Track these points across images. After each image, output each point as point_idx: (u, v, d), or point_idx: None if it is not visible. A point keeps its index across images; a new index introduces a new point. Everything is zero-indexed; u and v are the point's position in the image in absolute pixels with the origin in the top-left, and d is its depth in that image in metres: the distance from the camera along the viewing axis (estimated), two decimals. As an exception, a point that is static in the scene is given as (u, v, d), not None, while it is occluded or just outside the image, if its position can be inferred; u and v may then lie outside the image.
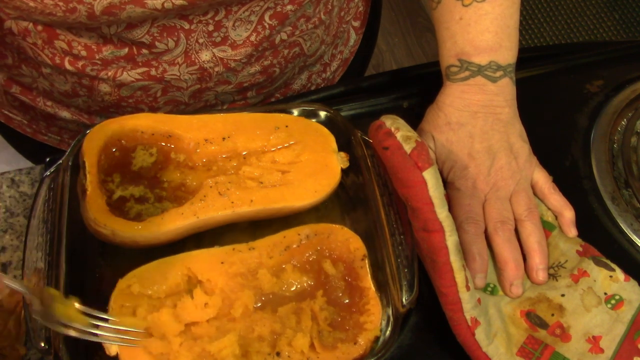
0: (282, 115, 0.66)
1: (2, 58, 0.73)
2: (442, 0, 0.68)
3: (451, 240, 0.57)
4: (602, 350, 0.58)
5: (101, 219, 0.57)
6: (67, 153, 0.62)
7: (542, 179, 0.67)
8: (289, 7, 0.70)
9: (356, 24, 0.91)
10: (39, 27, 0.65)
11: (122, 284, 0.56)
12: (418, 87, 0.77)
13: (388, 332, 0.57)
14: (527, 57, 0.77)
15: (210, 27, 0.67)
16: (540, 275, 0.62)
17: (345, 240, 0.60)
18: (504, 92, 0.66)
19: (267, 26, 0.70)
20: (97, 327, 0.52)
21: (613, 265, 0.63)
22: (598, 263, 0.63)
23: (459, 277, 0.56)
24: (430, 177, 0.56)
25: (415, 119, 0.68)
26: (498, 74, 0.66)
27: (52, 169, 0.61)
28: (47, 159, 0.64)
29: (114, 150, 0.62)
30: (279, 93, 0.86)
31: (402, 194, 0.58)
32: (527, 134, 0.68)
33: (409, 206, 0.58)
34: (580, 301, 0.61)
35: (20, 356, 0.60)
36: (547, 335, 0.59)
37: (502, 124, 0.66)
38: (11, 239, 0.66)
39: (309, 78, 0.88)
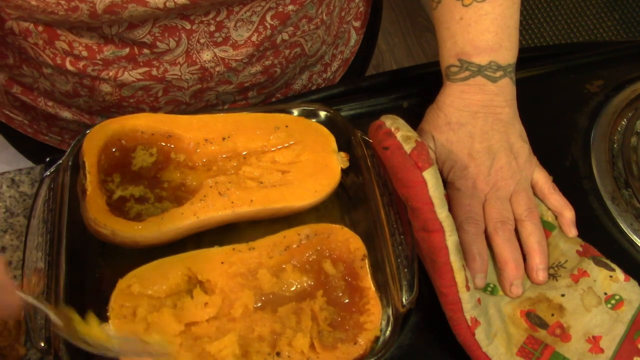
0: (282, 115, 0.66)
1: (3, 58, 0.73)
2: (442, 0, 0.68)
3: (451, 240, 0.57)
4: (602, 350, 0.58)
5: (101, 219, 0.57)
6: (67, 153, 0.62)
7: (542, 179, 0.67)
8: (290, 7, 0.70)
9: (357, 24, 0.91)
10: (40, 28, 0.65)
11: (122, 284, 0.56)
12: (418, 87, 0.77)
13: (388, 332, 0.57)
14: (527, 57, 0.77)
15: (212, 28, 0.67)
16: (540, 275, 0.62)
17: (345, 240, 0.60)
18: (504, 92, 0.66)
19: (269, 26, 0.70)
20: (120, 343, 0.52)
21: (613, 265, 0.63)
22: (598, 263, 0.63)
23: (459, 277, 0.56)
24: (430, 177, 0.56)
25: (415, 119, 0.68)
26: (498, 74, 0.66)
27: (52, 169, 0.61)
28: (47, 159, 0.64)
29: (114, 150, 0.62)
30: (280, 93, 0.86)
31: (402, 194, 0.58)
32: (527, 134, 0.68)
33: (409, 206, 0.58)
34: (580, 301, 0.61)
35: (20, 356, 0.60)
36: (547, 335, 0.59)
37: (502, 124, 0.66)
38: (11, 239, 0.66)
39: (309, 78, 0.88)
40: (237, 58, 0.71)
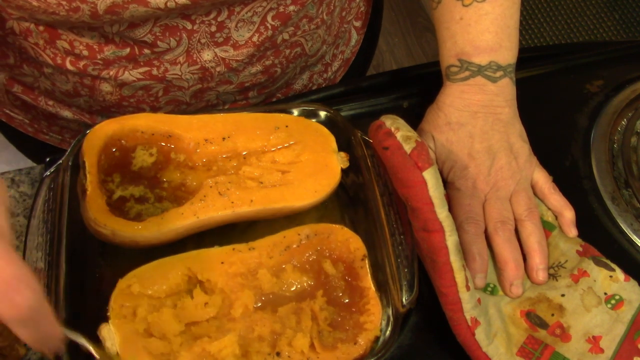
0: (282, 115, 0.66)
1: (4, 58, 0.73)
2: (442, 0, 0.68)
3: (451, 240, 0.57)
4: (602, 350, 0.58)
5: (101, 219, 0.57)
6: (67, 153, 0.62)
7: (542, 179, 0.67)
8: (291, 7, 0.70)
9: (357, 24, 0.91)
10: (41, 27, 0.65)
11: (122, 284, 0.56)
12: (418, 87, 0.77)
13: (388, 332, 0.57)
14: (527, 57, 0.77)
15: (213, 28, 0.67)
16: (540, 275, 0.62)
17: (345, 240, 0.60)
18: (504, 92, 0.66)
19: (270, 27, 0.70)
20: None
21: (613, 265, 0.63)
22: (598, 263, 0.63)
23: (459, 277, 0.56)
24: (430, 177, 0.56)
25: (415, 119, 0.68)
26: (498, 74, 0.66)
27: (52, 169, 0.61)
28: (47, 159, 0.64)
29: (114, 150, 0.62)
30: (280, 93, 0.86)
31: (402, 194, 0.58)
32: (527, 134, 0.68)
33: (409, 206, 0.58)
34: (580, 301, 0.61)
35: (20, 356, 0.60)
36: (547, 335, 0.59)
37: (502, 124, 0.66)
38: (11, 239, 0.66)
39: (310, 78, 0.88)
40: (237, 58, 0.71)
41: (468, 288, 0.57)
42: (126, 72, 0.70)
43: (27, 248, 0.57)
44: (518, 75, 0.68)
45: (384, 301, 0.58)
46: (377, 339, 0.56)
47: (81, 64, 0.68)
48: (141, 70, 0.70)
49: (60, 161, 0.62)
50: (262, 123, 0.65)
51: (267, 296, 0.58)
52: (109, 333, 0.53)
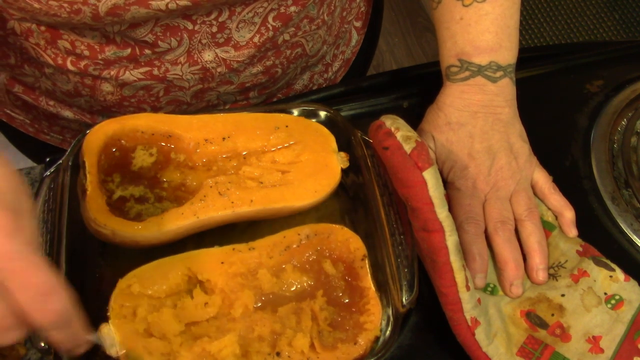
0: (282, 115, 0.66)
1: (5, 58, 0.73)
2: (442, 0, 0.68)
3: (451, 240, 0.57)
4: (602, 350, 0.58)
5: (101, 219, 0.57)
6: (67, 153, 0.62)
7: (542, 179, 0.67)
8: (292, 8, 0.70)
9: (358, 24, 0.91)
10: (42, 27, 0.65)
11: (122, 284, 0.56)
12: (418, 87, 0.77)
13: (388, 332, 0.57)
14: (527, 57, 0.77)
15: (214, 29, 0.67)
16: (540, 275, 0.62)
17: (345, 240, 0.60)
18: (504, 92, 0.66)
19: (271, 27, 0.70)
20: None
21: (613, 265, 0.63)
22: (598, 263, 0.63)
23: (459, 277, 0.56)
24: (430, 177, 0.56)
25: (415, 119, 0.68)
26: (498, 74, 0.66)
27: (52, 169, 0.61)
28: (47, 159, 0.64)
29: (114, 150, 0.62)
30: (281, 93, 0.86)
31: (402, 194, 0.58)
32: (527, 134, 0.68)
33: (409, 206, 0.58)
34: (580, 301, 0.61)
35: (20, 356, 0.60)
36: (547, 335, 0.59)
37: (502, 124, 0.66)
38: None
39: (310, 78, 0.88)
40: (238, 59, 0.71)
41: (468, 288, 0.57)
42: (127, 72, 0.70)
43: (27, 248, 0.57)
44: (518, 75, 0.68)
45: (384, 301, 0.58)
46: (377, 339, 0.56)
47: (82, 64, 0.68)
48: (142, 70, 0.70)
49: (60, 161, 0.62)
50: (262, 123, 0.65)
51: (267, 296, 0.58)
52: (109, 333, 0.53)
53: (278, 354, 0.55)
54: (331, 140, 0.65)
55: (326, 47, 0.84)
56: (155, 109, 0.76)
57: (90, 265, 0.61)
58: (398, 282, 0.58)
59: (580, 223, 0.66)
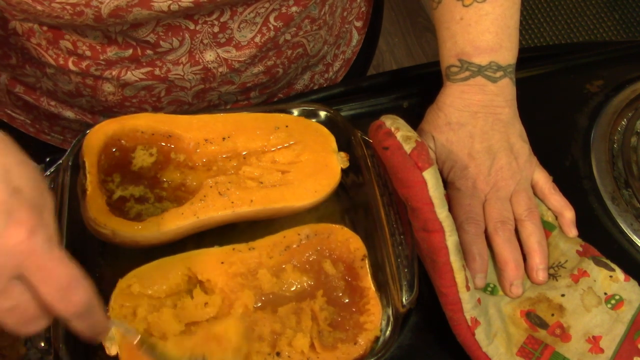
0: (282, 115, 0.66)
1: (6, 58, 0.73)
2: (442, 1, 0.68)
3: (451, 240, 0.57)
4: (602, 350, 0.58)
5: (101, 219, 0.57)
6: (67, 153, 0.62)
7: (542, 179, 0.67)
8: (294, 8, 0.70)
9: (358, 24, 0.91)
10: (44, 28, 0.65)
11: (122, 284, 0.56)
12: (418, 87, 0.77)
13: (388, 332, 0.57)
14: (527, 57, 0.77)
15: (216, 29, 0.67)
16: (541, 275, 0.62)
17: (345, 240, 0.60)
18: (504, 92, 0.66)
19: (272, 28, 0.70)
20: None
21: (613, 265, 0.63)
22: (598, 263, 0.63)
23: (459, 277, 0.56)
24: (430, 177, 0.56)
25: (415, 119, 0.68)
26: (498, 74, 0.66)
27: (52, 169, 0.61)
28: (47, 159, 0.64)
29: (114, 150, 0.62)
30: (282, 93, 0.86)
31: (402, 194, 0.58)
32: (527, 134, 0.68)
33: (409, 206, 0.58)
34: (580, 301, 0.61)
35: (20, 356, 0.60)
36: (547, 335, 0.59)
37: (502, 124, 0.66)
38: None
39: (311, 78, 0.88)
40: (240, 59, 0.71)
41: (468, 288, 0.57)
42: (128, 73, 0.70)
43: (27, 248, 0.57)
44: (518, 75, 0.68)
45: (384, 301, 0.58)
46: (377, 339, 0.57)
47: (84, 64, 0.68)
48: (143, 70, 0.70)
49: (60, 161, 0.62)
50: (262, 123, 0.65)
51: (267, 296, 0.58)
52: (109, 333, 0.53)
53: (278, 354, 0.55)
54: (331, 140, 0.65)
55: (327, 47, 0.84)
56: (156, 109, 0.76)
57: (90, 265, 0.61)
58: (398, 282, 0.58)
59: (580, 223, 0.66)
